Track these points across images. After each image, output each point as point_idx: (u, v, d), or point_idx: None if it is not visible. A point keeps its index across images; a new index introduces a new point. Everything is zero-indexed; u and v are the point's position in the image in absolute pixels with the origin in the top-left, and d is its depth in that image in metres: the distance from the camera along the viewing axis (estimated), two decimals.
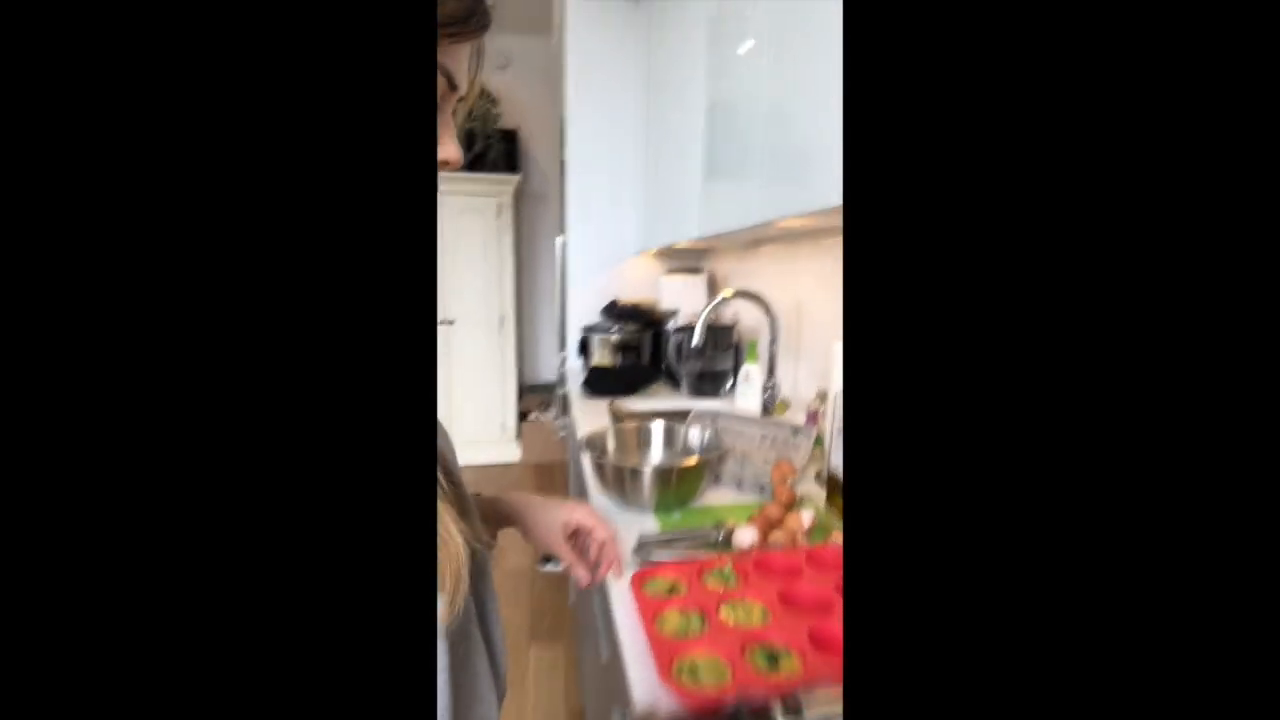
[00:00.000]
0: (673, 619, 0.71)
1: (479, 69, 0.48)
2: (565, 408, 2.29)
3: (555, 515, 0.75)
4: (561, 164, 2.68)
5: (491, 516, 0.76)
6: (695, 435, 1.28)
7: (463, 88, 0.44)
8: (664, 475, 1.06)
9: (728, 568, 0.82)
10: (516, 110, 3.84)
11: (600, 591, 0.95)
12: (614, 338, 2.27)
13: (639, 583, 0.78)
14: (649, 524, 1.03)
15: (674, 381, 2.13)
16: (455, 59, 0.43)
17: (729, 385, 2.01)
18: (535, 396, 3.94)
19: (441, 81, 0.42)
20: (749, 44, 1.32)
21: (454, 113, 0.46)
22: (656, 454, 1.30)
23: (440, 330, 3.51)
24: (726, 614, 0.72)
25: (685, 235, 1.82)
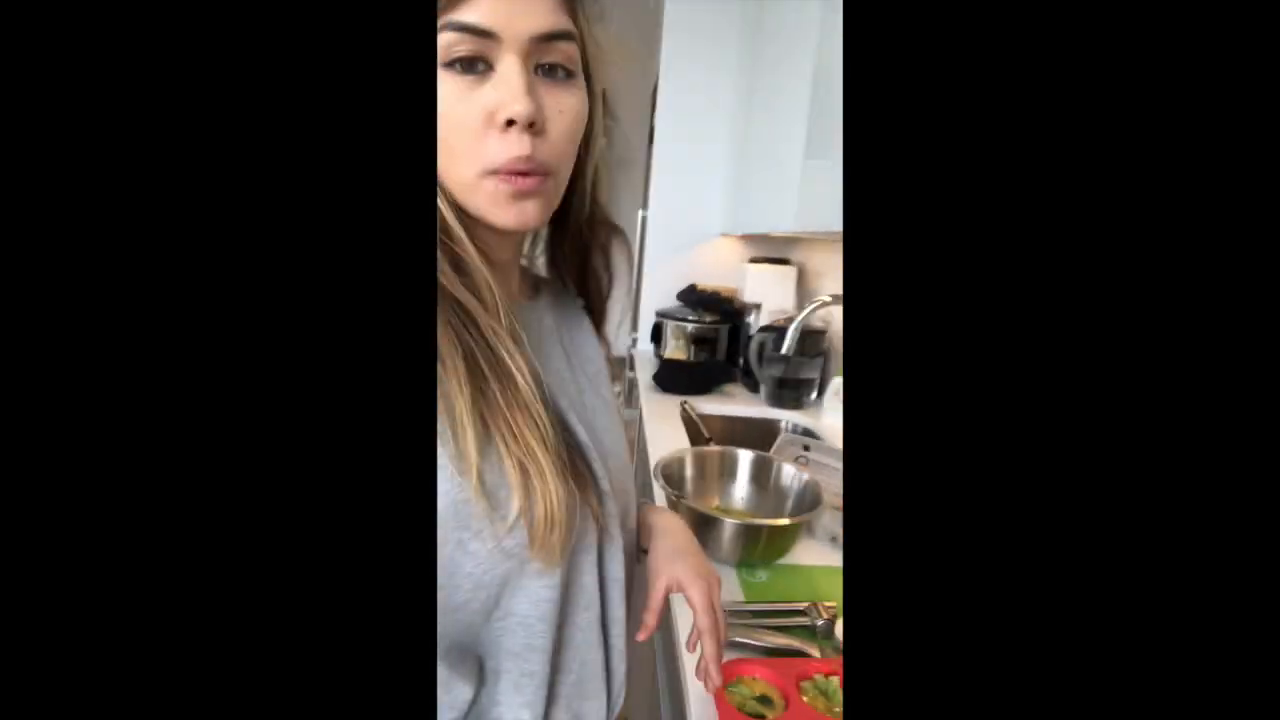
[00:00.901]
0: None
1: None
2: (633, 395, 2.14)
3: (670, 567, 0.61)
4: (650, 131, 2.45)
5: (643, 527, 0.68)
6: (789, 476, 1.09)
7: (514, 27, 0.43)
8: (751, 534, 0.91)
9: (833, 683, 0.66)
10: (608, 69, 3.70)
11: (670, 676, 0.81)
12: (690, 328, 2.08)
13: (722, 684, 0.62)
14: (728, 583, 0.89)
15: (752, 384, 1.93)
16: (485, 8, 0.42)
17: (813, 396, 1.83)
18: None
19: (466, 38, 0.42)
20: None
21: (538, 52, 0.44)
22: (741, 491, 1.13)
23: None
24: None
25: (779, 225, 1.60)
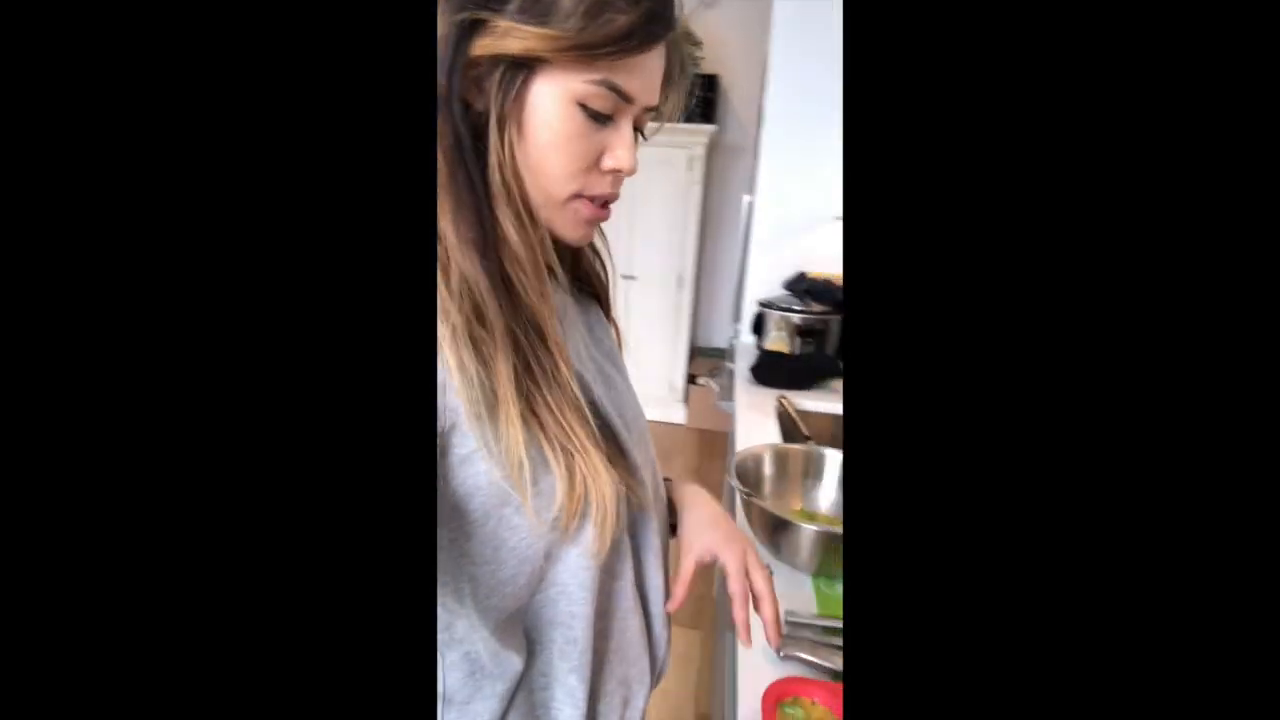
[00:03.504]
0: None
1: (682, 68, 0.52)
2: (729, 388, 2.01)
3: (700, 538, 0.62)
4: (759, 114, 2.31)
5: (672, 504, 0.67)
6: None
7: (643, 98, 0.48)
8: (832, 542, 0.82)
9: None
10: (721, 54, 3.36)
11: (730, 681, 0.79)
12: (795, 319, 1.90)
13: (773, 701, 0.62)
14: (803, 591, 0.84)
15: None
16: (627, 73, 0.46)
17: None
18: (706, 361, 3.77)
19: (611, 97, 0.46)
20: None
21: (641, 120, 0.50)
22: (828, 494, 1.03)
23: (621, 285, 3.40)
24: None
25: None
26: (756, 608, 0.60)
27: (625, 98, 0.47)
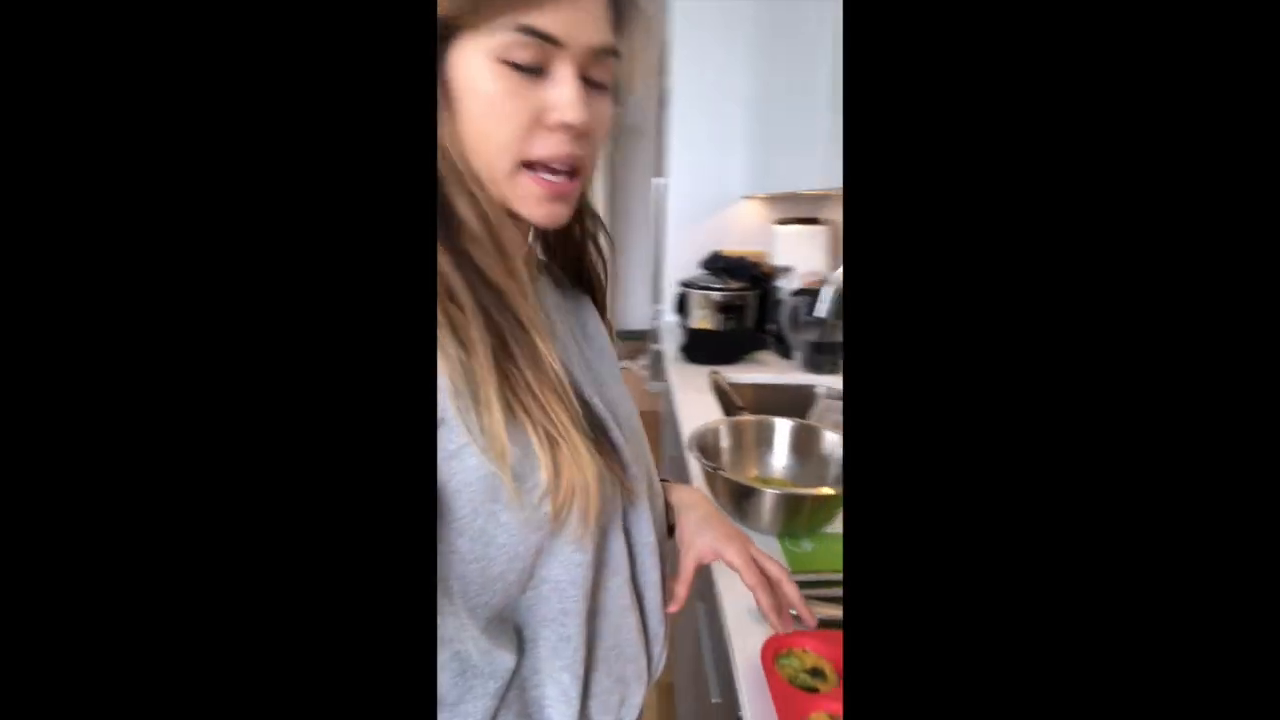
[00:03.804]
0: None
1: (627, 10, 0.47)
2: (659, 368, 2.13)
3: (699, 538, 0.64)
4: (660, 95, 2.39)
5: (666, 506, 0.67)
6: (832, 443, 1.05)
7: (576, 38, 0.44)
8: (793, 504, 0.90)
9: None
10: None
11: (716, 647, 0.85)
12: (716, 296, 1.98)
13: (771, 655, 0.65)
14: (771, 553, 0.85)
15: (784, 350, 1.90)
16: (545, 12, 0.42)
17: None
18: (626, 344, 3.34)
19: (533, 43, 0.42)
20: None
21: (587, 64, 0.45)
22: (781, 460, 1.10)
23: None
24: None
25: (807, 182, 1.48)
26: (779, 592, 0.62)
27: (551, 40, 0.43)
